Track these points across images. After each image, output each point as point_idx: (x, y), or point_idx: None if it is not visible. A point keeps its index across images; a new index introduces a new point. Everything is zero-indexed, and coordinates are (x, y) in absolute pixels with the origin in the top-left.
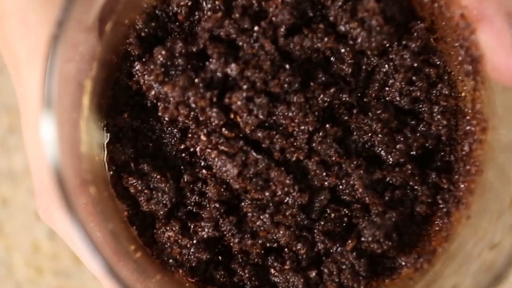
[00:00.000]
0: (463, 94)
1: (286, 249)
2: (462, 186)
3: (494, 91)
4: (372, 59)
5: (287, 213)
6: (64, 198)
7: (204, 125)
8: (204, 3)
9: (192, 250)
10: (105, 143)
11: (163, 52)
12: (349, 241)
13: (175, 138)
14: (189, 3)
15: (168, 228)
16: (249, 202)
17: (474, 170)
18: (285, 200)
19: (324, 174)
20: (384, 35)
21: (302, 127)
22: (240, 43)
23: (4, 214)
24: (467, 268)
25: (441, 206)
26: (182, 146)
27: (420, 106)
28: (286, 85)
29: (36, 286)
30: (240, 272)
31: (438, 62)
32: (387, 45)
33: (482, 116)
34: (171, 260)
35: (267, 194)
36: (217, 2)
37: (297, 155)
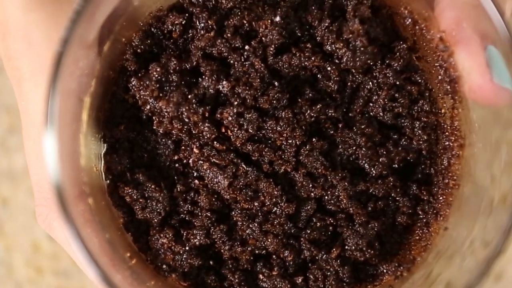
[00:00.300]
0: (443, 110)
1: (274, 256)
2: (441, 198)
3: (470, 109)
4: (357, 76)
5: (275, 222)
6: (63, 209)
7: (196, 138)
8: (197, 22)
9: (184, 256)
10: (102, 154)
11: (158, 69)
12: (334, 249)
13: (169, 150)
14: (183, 22)
15: (162, 235)
16: (239, 211)
17: (451, 184)
18: (273, 210)
19: (311, 185)
20: (368, 55)
21: (290, 141)
22: (232, 61)
23: (4, 214)
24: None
25: (421, 217)
26: (176, 157)
27: (402, 121)
28: (274, 101)
29: (36, 286)
30: (230, 277)
31: (420, 80)
32: (371, 63)
33: (459, 133)
34: (164, 266)
35: (256, 204)
36: (209, 22)
37: (285, 167)
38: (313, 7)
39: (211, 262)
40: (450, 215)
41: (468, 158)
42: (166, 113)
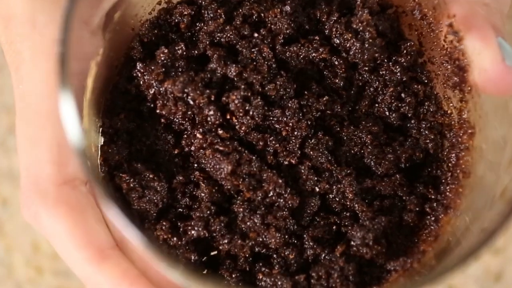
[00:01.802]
0: (449, 111)
1: (274, 255)
2: (449, 194)
3: (480, 95)
4: (364, 74)
5: (278, 215)
6: (95, 178)
7: (200, 124)
8: (206, 12)
9: (180, 250)
10: (100, 145)
11: (165, 51)
12: (338, 247)
13: (168, 144)
14: (192, 13)
15: (158, 227)
16: (240, 202)
17: (461, 176)
18: (277, 202)
19: (315, 179)
20: (376, 48)
21: (296, 132)
22: (240, 48)
23: (4, 214)
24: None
25: (430, 215)
26: (176, 151)
27: (408, 122)
28: (281, 90)
29: (36, 286)
30: (228, 277)
31: (426, 80)
32: (378, 60)
33: (468, 124)
34: None
35: (259, 193)
36: (219, 11)
37: (290, 159)
38: (321, 4)
39: (208, 262)
40: (461, 204)
41: (479, 143)
42: (170, 95)
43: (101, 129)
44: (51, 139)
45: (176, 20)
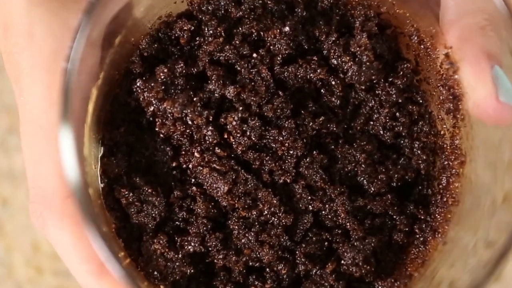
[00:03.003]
0: (442, 132)
1: (268, 269)
2: (438, 217)
3: (473, 127)
4: (360, 93)
5: (272, 233)
6: (84, 210)
7: (198, 143)
8: (206, 29)
9: (177, 264)
10: (100, 156)
11: (165, 70)
12: (329, 264)
13: (167, 156)
14: (192, 28)
15: (155, 240)
16: (235, 219)
17: (450, 202)
18: (271, 220)
19: (309, 198)
20: (373, 70)
21: (291, 152)
22: (239, 68)
23: (4, 214)
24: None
25: (418, 236)
26: (174, 164)
27: (402, 141)
28: (278, 110)
29: (36, 286)
30: None
31: (421, 101)
32: (375, 81)
33: (460, 151)
34: (155, 273)
35: (254, 212)
36: (218, 29)
37: (285, 178)
38: (320, 23)
39: (202, 274)
40: (449, 230)
41: (469, 174)
42: (170, 115)
43: (101, 141)
44: (55, 153)
45: (176, 35)
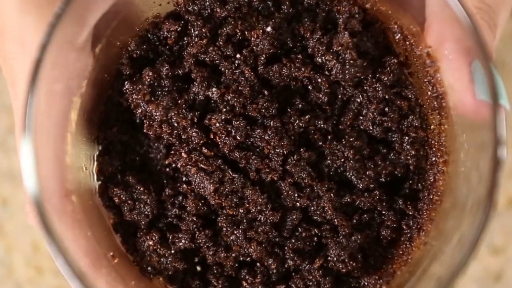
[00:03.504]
0: (432, 126)
1: (258, 264)
2: (425, 214)
3: (455, 125)
4: (348, 89)
5: (259, 230)
6: (40, 218)
7: (186, 143)
8: (192, 29)
9: (169, 259)
10: (95, 155)
11: (150, 74)
12: (317, 260)
13: (160, 154)
14: (179, 29)
15: (148, 237)
16: (224, 217)
17: (435, 199)
18: (258, 218)
19: (296, 195)
20: (357, 68)
21: (277, 150)
22: (223, 69)
23: (4, 214)
24: None
25: (405, 231)
26: (167, 162)
27: (392, 135)
28: (263, 110)
29: (36, 286)
30: (214, 283)
31: (410, 96)
32: (362, 77)
33: (445, 149)
34: (149, 268)
35: (241, 211)
36: (203, 30)
37: (272, 176)
38: (306, 19)
39: (197, 268)
40: (431, 230)
41: (451, 174)
42: (156, 117)
43: (96, 140)
44: (52, 156)
45: (164, 35)
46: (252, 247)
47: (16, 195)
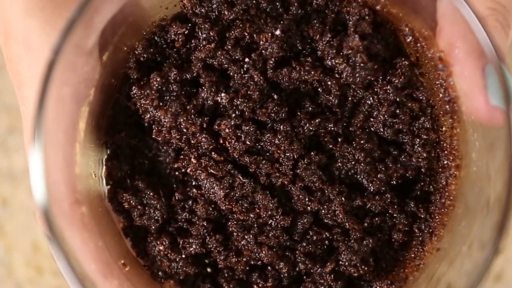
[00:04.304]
0: (443, 128)
1: (269, 267)
2: (437, 218)
3: (467, 130)
4: (358, 91)
5: (270, 234)
6: (49, 228)
7: (195, 148)
8: (199, 32)
9: (180, 264)
10: (104, 159)
11: (158, 79)
12: (328, 264)
13: (169, 157)
14: (186, 32)
15: (158, 242)
16: (234, 222)
17: (448, 204)
18: (269, 222)
19: (307, 199)
20: (368, 71)
21: (288, 154)
22: (231, 73)
23: (4, 214)
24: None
25: (417, 235)
26: (176, 165)
27: (403, 137)
28: (273, 114)
29: (36, 286)
30: (226, 286)
31: (421, 97)
32: (372, 79)
33: (457, 153)
34: (160, 273)
35: (251, 216)
36: (211, 33)
37: (282, 180)
38: (315, 21)
39: (208, 270)
40: (444, 236)
41: (464, 179)
42: (164, 123)
43: (105, 145)
44: (61, 161)
45: (171, 38)
46: (263, 251)
47: (16, 195)
